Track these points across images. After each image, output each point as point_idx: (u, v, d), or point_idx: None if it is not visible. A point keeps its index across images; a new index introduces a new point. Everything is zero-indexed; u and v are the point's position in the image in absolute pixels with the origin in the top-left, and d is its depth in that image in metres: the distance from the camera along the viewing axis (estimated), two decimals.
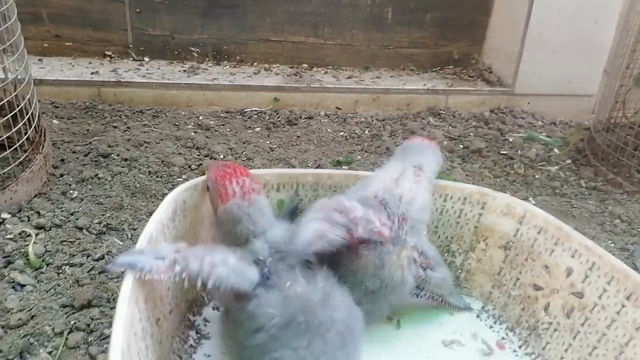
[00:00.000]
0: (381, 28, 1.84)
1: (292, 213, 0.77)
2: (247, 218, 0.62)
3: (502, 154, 1.46)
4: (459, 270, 0.84)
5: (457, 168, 1.34)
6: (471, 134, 1.58)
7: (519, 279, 0.77)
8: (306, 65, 1.84)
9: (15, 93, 1.01)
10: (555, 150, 1.51)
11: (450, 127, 1.60)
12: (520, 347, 0.74)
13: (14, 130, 0.98)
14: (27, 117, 1.03)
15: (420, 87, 1.73)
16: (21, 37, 1.06)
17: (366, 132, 1.56)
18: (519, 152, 1.48)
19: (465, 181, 1.25)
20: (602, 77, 1.77)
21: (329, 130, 1.55)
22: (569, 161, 1.45)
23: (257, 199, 0.64)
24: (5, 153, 0.96)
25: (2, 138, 0.96)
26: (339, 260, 0.65)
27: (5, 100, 0.96)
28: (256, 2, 1.73)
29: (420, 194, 0.72)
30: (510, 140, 1.56)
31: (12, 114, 0.97)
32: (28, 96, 1.06)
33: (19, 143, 0.99)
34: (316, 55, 1.84)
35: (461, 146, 1.48)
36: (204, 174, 0.74)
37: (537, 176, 1.35)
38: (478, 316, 0.80)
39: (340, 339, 0.57)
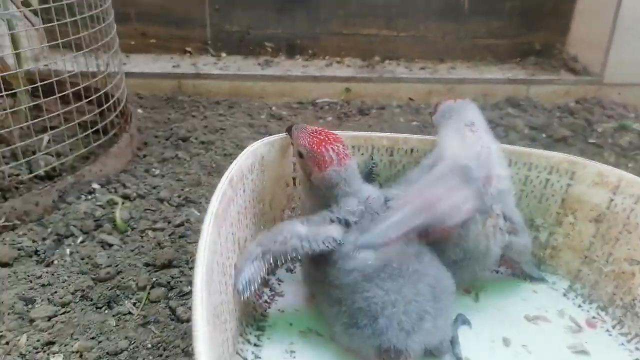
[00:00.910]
0: (457, 19, 1.79)
1: (367, 176, 0.76)
2: (343, 183, 0.64)
3: (590, 142, 1.36)
4: (544, 247, 0.78)
5: None
6: (555, 123, 1.49)
7: (611, 254, 0.70)
8: (378, 58, 1.83)
9: (103, 76, 1.08)
10: None
11: (531, 117, 1.52)
12: (614, 327, 0.68)
13: (104, 107, 1.06)
14: (114, 99, 1.11)
15: (499, 77, 1.66)
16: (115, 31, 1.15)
17: None
18: (609, 140, 1.37)
19: None
20: None
21: (401, 120, 1.52)
22: None
23: (350, 163, 0.65)
24: (97, 127, 1.03)
25: (94, 113, 1.03)
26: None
27: (90, 81, 1.04)
28: None
29: (491, 147, 0.69)
30: (599, 130, 1.45)
31: (98, 94, 1.05)
32: (115, 81, 1.14)
33: (109, 119, 1.07)
34: (388, 48, 1.83)
35: (544, 135, 1.40)
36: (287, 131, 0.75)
37: (630, 165, 1.25)
38: (565, 295, 0.74)
39: (432, 293, 0.58)
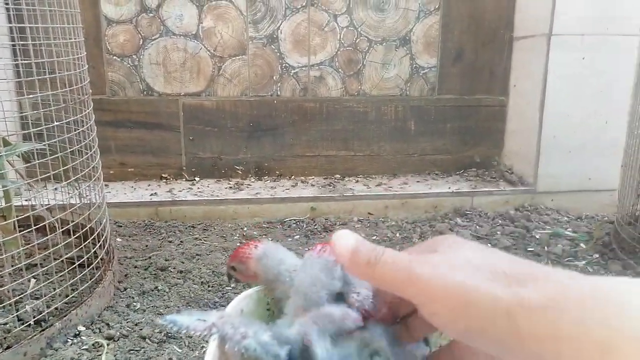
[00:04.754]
0: (406, 138, 2.03)
1: None
2: None
3: (529, 250, 1.54)
4: None
5: None
6: (498, 232, 1.67)
7: None
8: (339, 176, 2.02)
9: (87, 214, 1.20)
10: (582, 245, 1.57)
11: (477, 227, 1.70)
12: None
13: (92, 252, 1.15)
14: (102, 239, 1.22)
15: (446, 190, 1.86)
16: (99, 167, 1.27)
17: (397, 234, 1.68)
18: (546, 248, 1.54)
19: None
20: (621, 171, 1.86)
21: (362, 234, 1.63)
22: (597, 255, 1.50)
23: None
24: (84, 272, 1.12)
25: (82, 259, 1.13)
26: None
27: (74, 222, 1.15)
28: (293, 124, 1.96)
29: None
30: (537, 237, 1.63)
31: (91, 238, 1.15)
32: (104, 221, 1.25)
33: (95, 263, 1.16)
34: (347, 166, 2.03)
35: (489, 245, 1.57)
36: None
37: None
38: None
39: None
